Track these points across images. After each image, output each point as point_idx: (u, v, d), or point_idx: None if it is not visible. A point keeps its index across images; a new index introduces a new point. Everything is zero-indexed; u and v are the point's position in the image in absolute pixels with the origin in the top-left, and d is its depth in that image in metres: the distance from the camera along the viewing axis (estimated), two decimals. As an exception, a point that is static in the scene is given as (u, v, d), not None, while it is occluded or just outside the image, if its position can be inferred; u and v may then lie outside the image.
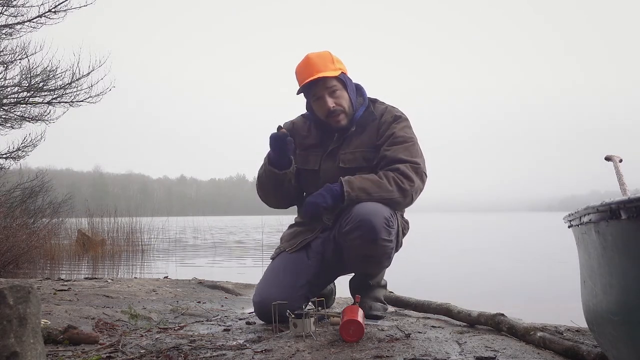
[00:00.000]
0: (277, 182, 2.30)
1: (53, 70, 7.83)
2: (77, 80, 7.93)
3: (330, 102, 2.24)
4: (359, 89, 2.40)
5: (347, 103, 2.28)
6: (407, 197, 2.17)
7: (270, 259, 2.43)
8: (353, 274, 2.46)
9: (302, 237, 2.35)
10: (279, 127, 2.20)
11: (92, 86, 8.01)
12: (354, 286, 2.43)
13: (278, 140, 2.19)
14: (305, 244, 2.33)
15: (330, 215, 2.28)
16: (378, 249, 2.13)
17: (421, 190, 2.23)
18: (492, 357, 1.62)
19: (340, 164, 2.28)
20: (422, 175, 2.21)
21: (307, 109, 2.41)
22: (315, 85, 2.24)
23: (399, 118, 2.30)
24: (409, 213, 2.44)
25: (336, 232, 2.23)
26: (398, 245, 2.34)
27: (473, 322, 2.18)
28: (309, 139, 2.40)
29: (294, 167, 2.29)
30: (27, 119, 8.06)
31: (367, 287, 2.39)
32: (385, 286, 2.53)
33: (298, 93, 2.32)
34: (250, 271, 6.66)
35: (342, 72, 2.28)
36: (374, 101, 2.40)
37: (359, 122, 2.31)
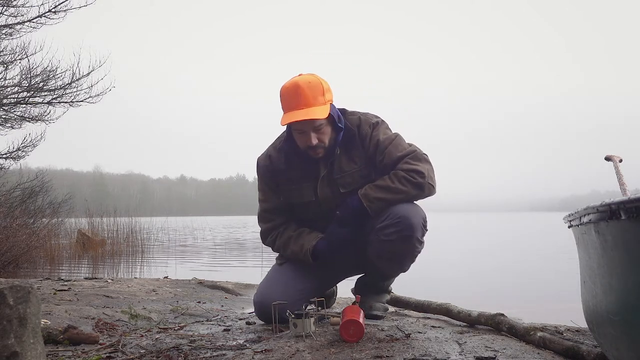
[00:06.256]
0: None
1: (53, 70, 7.82)
2: (77, 80, 7.92)
3: (314, 139, 2.15)
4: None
5: (329, 137, 2.20)
6: (425, 188, 2.15)
7: (276, 262, 2.42)
8: (361, 274, 2.45)
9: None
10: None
11: (92, 86, 8.01)
12: (360, 285, 2.43)
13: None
14: None
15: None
16: (410, 247, 2.15)
17: (432, 171, 2.19)
18: (492, 357, 1.62)
19: (342, 189, 2.23)
20: (424, 158, 2.18)
21: (286, 133, 2.29)
22: (301, 122, 2.13)
23: (375, 125, 2.24)
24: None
25: (370, 230, 2.20)
26: None
27: (473, 322, 2.18)
28: (292, 172, 2.30)
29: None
30: (27, 119, 8.05)
31: (376, 288, 2.39)
32: (389, 292, 2.52)
33: (283, 124, 2.17)
34: (250, 271, 6.66)
35: (331, 104, 2.18)
36: (343, 112, 2.29)
37: (341, 143, 2.24)
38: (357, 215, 2.16)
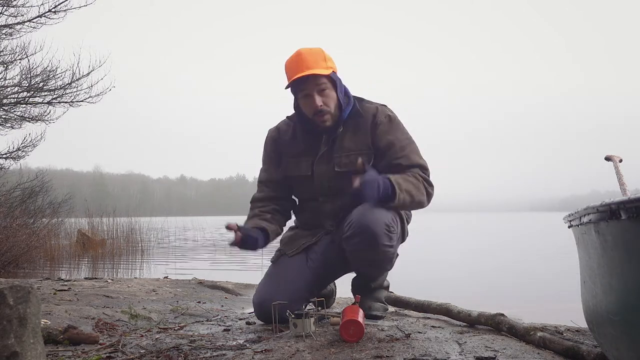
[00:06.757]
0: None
1: (53, 70, 7.83)
2: (77, 80, 7.93)
3: (319, 101, 2.20)
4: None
5: (334, 103, 2.24)
6: (429, 201, 2.24)
7: (271, 262, 2.42)
8: (356, 274, 2.46)
9: (303, 241, 2.36)
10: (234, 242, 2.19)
11: (92, 86, 8.02)
12: (356, 286, 2.43)
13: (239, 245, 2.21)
14: (306, 247, 2.34)
15: (333, 221, 2.30)
16: (379, 254, 2.14)
17: None
18: (492, 357, 1.62)
19: (336, 168, 2.26)
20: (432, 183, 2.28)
21: (294, 107, 2.36)
22: (305, 82, 2.20)
23: (392, 119, 2.29)
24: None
25: (338, 236, 2.23)
26: (404, 235, 2.34)
27: (473, 322, 2.18)
28: (296, 145, 2.36)
29: (266, 235, 2.30)
30: (27, 119, 8.06)
31: (369, 288, 2.39)
32: (387, 287, 2.53)
33: (286, 88, 2.27)
34: (250, 271, 6.66)
35: (332, 71, 2.24)
36: (360, 100, 2.36)
37: (347, 123, 2.29)
38: (384, 196, 2.05)
